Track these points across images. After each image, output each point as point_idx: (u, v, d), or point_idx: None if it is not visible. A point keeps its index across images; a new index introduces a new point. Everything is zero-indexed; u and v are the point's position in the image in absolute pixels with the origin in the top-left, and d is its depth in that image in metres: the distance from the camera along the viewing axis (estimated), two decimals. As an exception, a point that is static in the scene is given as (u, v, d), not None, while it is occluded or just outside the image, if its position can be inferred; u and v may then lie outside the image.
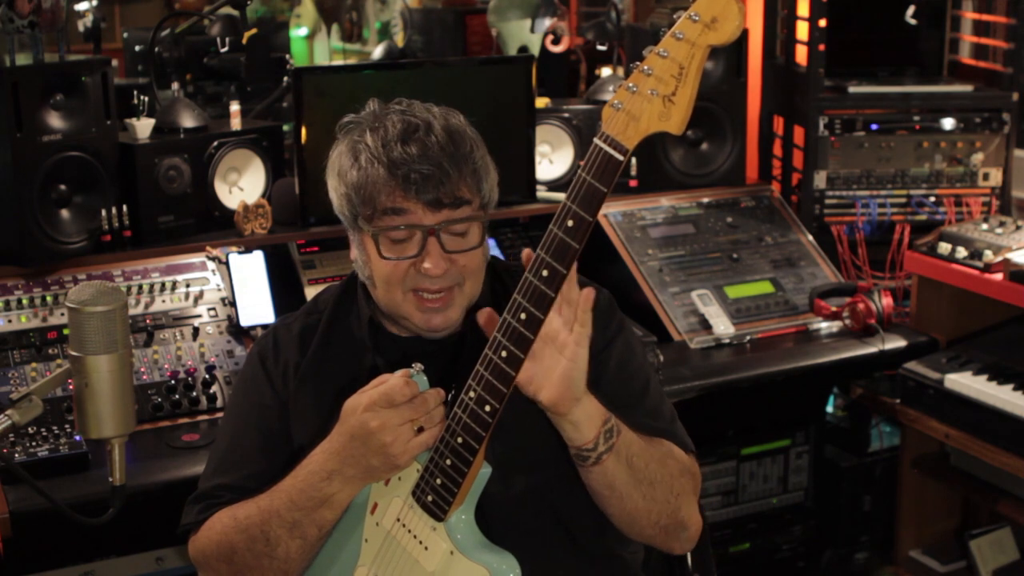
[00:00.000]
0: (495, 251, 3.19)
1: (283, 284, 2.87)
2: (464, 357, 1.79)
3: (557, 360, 1.59)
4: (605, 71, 3.65)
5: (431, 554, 1.69)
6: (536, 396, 1.61)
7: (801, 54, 3.50)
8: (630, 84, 1.51)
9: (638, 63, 1.51)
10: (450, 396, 1.71)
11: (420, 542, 1.70)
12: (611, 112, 1.52)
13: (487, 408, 1.61)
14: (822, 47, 3.40)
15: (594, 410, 1.65)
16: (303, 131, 2.90)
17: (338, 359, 1.87)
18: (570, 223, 1.54)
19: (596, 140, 1.53)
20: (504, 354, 1.59)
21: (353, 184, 1.77)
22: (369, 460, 1.67)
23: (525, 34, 3.78)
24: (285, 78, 3.34)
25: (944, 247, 3.10)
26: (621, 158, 1.52)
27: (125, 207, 2.80)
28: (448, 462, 1.65)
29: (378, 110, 1.81)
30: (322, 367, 1.87)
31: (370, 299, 1.86)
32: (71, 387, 1.64)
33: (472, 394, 1.62)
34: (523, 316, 1.57)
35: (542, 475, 1.81)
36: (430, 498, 1.68)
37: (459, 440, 1.63)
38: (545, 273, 1.56)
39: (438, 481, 1.66)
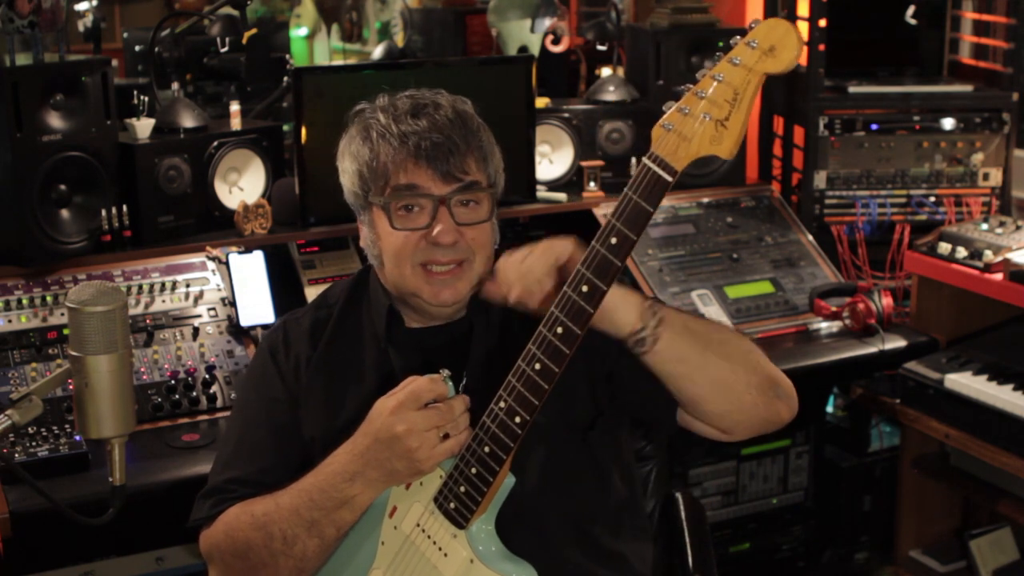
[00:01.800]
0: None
1: (283, 284, 2.87)
2: (472, 347, 1.80)
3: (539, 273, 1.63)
4: (605, 71, 3.65)
5: (450, 561, 1.69)
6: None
7: (801, 54, 3.50)
8: (683, 106, 1.51)
9: (690, 85, 1.52)
10: (462, 386, 1.72)
11: (439, 548, 1.70)
12: (661, 132, 1.52)
13: (517, 419, 1.61)
14: (822, 47, 3.41)
15: (627, 291, 1.65)
16: (303, 131, 2.90)
17: (349, 352, 1.88)
18: (614, 240, 1.55)
19: (645, 160, 1.53)
20: (538, 367, 1.59)
21: (365, 160, 1.79)
22: (393, 464, 1.67)
23: (525, 34, 3.78)
24: (285, 78, 3.34)
25: (944, 247, 3.10)
26: (670, 179, 1.52)
27: (125, 207, 2.80)
28: (473, 471, 1.65)
29: (388, 97, 1.84)
30: (333, 360, 1.88)
31: (384, 288, 1.87)
32: (71, 387, 1.64)
33: (502, 404, 1.62)
34: (560, 330, 1.58)
35: (557, 475, 1.81)
36: (452, 505, 1.67)
37: (486, 449, 1.63)
38: (585, 289, 1.57)
39: (462, 489, 1.66)
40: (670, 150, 1.52)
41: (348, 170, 1.83)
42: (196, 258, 2.86)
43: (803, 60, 3.48)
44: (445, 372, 1.68)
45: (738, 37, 1.50)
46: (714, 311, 3.05)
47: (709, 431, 1.76)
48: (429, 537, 1.70)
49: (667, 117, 1.52)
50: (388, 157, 1.76)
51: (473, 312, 1.84)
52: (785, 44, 1.48)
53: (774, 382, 1.74)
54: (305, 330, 1.91)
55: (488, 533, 1.69)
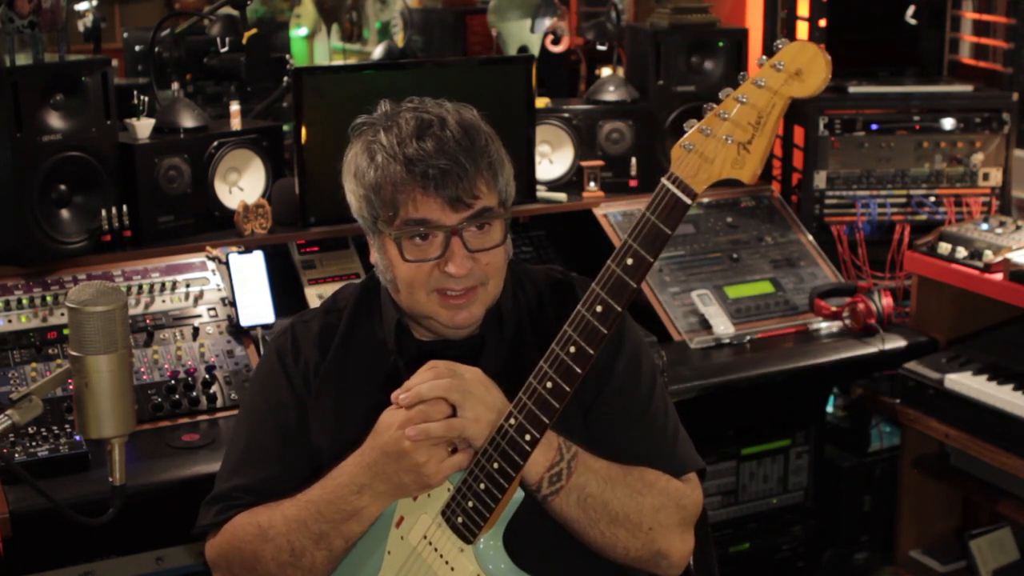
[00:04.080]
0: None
1: (283, 284, 2.87)
2: (484, 362, 1.77)
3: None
4: (605, 71, 3.65)
5: (456, 574, 1.68)
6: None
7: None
8: (704, 127, 1.47)
9: (712, 104, 1.48)
10: None
11: (446, 562, 1.69)
12: (682, 153, 1.48)
13: (527, 437, 1.60)
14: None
15: (538, 455, 1.64)
16: (303, 131, 2.90)
17: (359, 362, 1.85)
18: (630, 261, 1.54)
19: (664, 180, 1.50)
20: (549, 385, 1.58)
21: (371, 185, 1.73)
22: (401, 477, 1.66)
23: (525, 34, 3.78)
24: (285, 78, 3.34)
25: (944, 247, 3.10)
26: (689, 202, 1.49)
27: (125, 207, 2.80)
28: (482, 486, 1.63)
29: (390, 110, 1.78)
30: (343, 370, 1.85)
31: (396, 303, 1.84)
32: (71, 387, 1.64)
33: (513, 421, 1.61)
34: (572, 349, 1.57)
35: None
36: (460, 520, 1.67)
37: (495, 465, 1.62)
38: (599, 309, 1.56)
39: (470, 504, 1.65)
40: (691, 172, 1.48)
41: (355, 192, 1.77)
42: (196, 258, 2.86)
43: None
44: None
45: (764, 57, 1.45)
46: (714, 311, 3.05)
47: None
48: (436, 550, 1.69)
49: (688, 137, 1.48)
50: (395, 184, 1.70)
51: (486, 328, 1.81)
52: (812, 69, 1.43)
53: (661, 556, 1.75)
54: (315, 335, 1.87)
55: (496, 549, 1.68)
